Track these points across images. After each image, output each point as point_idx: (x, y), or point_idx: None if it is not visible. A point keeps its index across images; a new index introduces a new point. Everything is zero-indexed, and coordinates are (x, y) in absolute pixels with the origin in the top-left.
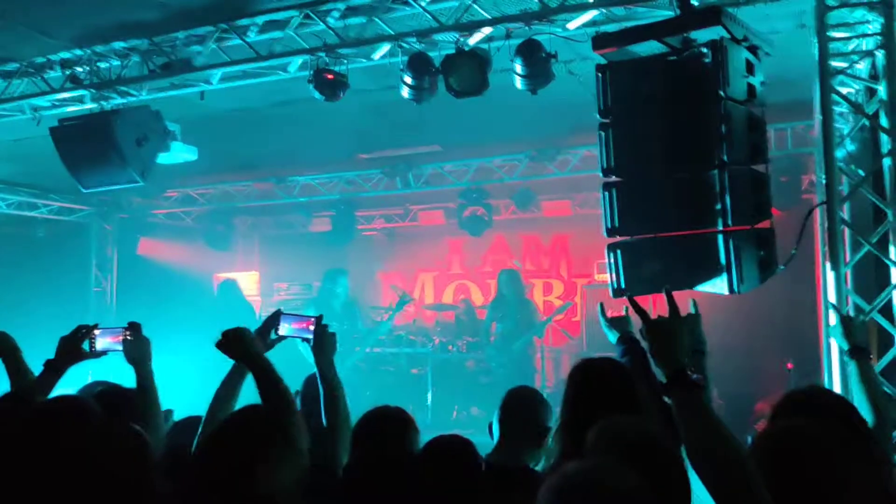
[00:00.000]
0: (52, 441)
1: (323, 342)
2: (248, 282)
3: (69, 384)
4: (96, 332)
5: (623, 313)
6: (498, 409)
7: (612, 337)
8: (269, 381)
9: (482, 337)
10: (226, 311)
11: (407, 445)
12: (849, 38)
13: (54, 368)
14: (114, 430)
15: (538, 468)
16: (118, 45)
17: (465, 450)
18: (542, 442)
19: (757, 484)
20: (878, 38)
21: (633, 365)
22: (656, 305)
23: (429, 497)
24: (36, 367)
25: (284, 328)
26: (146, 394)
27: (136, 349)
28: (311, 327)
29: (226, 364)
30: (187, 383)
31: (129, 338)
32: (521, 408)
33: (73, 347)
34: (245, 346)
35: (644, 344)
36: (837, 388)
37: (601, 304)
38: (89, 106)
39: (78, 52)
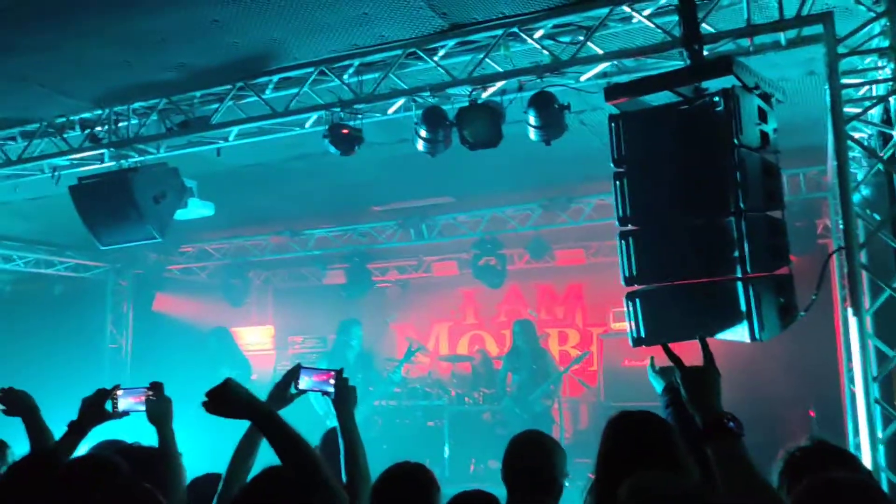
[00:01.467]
0: (85, 500)
1: (345, 396)
2: (263, 336)
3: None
4: (118, 392)
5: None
6: (503, 459)
7: (659, 386)
8: (276, 430)
9: (498, 388)
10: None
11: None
12: (860, 84)
13: (78, 429)
14: (141, 491)
15: None
16: (137, 104)
17: None
18: (557, 493)
19: None
20: (890, 83)
21: (678, 416)
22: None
23: None
24: (52, 423)
25: (304, 381)
26: (168, 453)
27: (159, 409)
28: (332, 381)
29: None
30: (204, 439)
31: (151, 398)
32: (529, 456)
33: (97, 408)
34: (237, 400)
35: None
36: (864, 437)
37: (652, 358)
38: (108, 164)
39: (97, 111)
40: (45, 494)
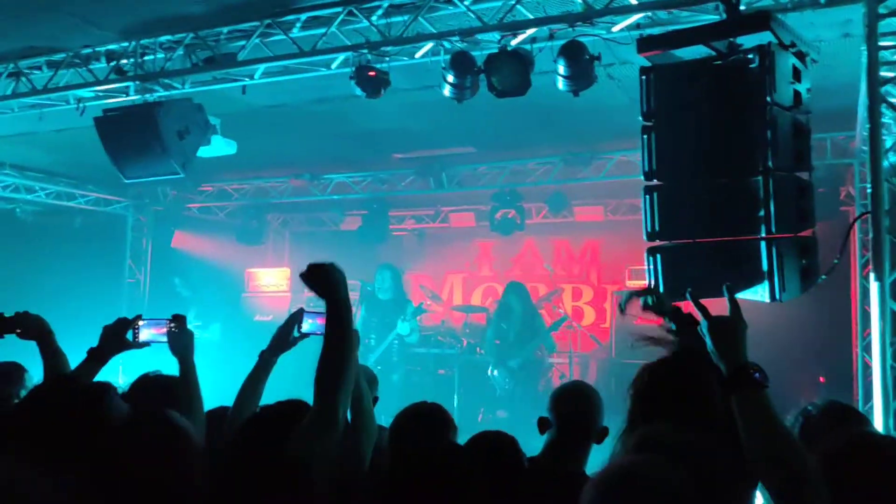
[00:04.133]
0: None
1: None
2: (279, 277)
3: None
4: (140, 322)
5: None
6: (551, 407)
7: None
8: (338, 322)
9: (485, 346)
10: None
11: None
12: None
13: (98, 357)
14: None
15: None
16: (164, 38)
17: (512, 447)
18: (600, 436)
19: (823, 495)
20: None
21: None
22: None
23: (474, 493)
24: (69, 354)
25: (307, 325)
26: (189, 385)
27: (181, 341)
28: None
29: (251, 360)
30: (215, 377)
31: (174, 330)
32: (580, 409)
33: (118, 337)
34: (327, 283)
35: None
36: (877, 402)
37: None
38: (133, 97)
39: (124, 43)
40: (71, 416)
